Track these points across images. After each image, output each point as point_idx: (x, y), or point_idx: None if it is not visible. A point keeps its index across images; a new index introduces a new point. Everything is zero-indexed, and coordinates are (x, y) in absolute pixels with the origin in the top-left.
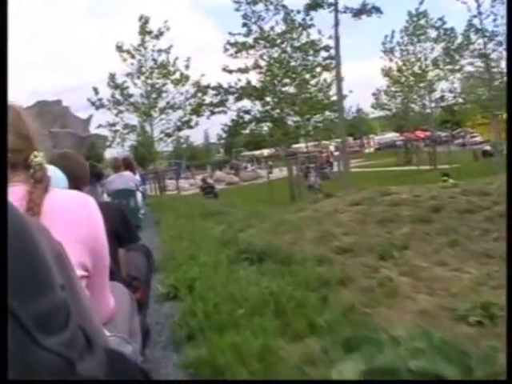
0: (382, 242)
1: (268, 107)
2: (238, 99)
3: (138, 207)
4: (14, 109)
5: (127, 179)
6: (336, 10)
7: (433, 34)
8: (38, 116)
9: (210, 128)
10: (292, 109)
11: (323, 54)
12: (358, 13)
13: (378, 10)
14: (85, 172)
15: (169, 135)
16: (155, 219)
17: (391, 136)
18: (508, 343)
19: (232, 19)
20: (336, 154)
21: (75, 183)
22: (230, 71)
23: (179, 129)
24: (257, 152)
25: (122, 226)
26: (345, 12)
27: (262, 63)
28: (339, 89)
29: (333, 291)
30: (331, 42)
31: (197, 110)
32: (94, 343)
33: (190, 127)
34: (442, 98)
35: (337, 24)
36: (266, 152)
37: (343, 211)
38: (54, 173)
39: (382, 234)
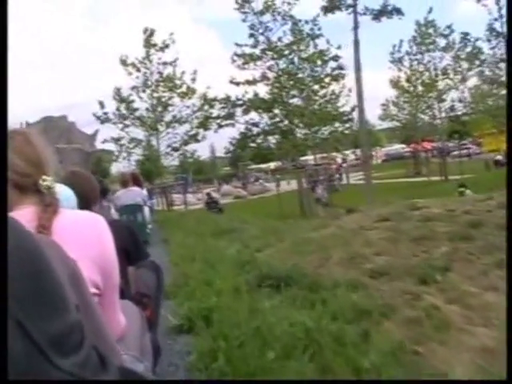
0: (420, 263)
1: (276, 119)
2: (246, 112)
3: (146, 222)
4: (23, 134)
5: (135, 194)
6: (355, 12)
7: (442, 42)
8: (43, 132)
9: (216, 142)
10: (301, 120)
11: (332, 64)
12: (378, 15)
13: (398, 11)
14: (94, 189)
15: (176, 149)
16: (163, 237)
17: (397, 147)
18: (508, 343)
19: (236, 32)
20: (344, 165)
21: (85, 201)
22: (238, 83)
23: (186, 143)
24: (263, 165)
25: (131, 244)
26: (364, 14)
27: (270, 75)
28: (360, 96)
29: (374, 324)
30: (340, 52)
31: (204, 124)
32: (108, 363)
33: (197, 141)
34: (451, 108)
35: (356, 27)
36: (272, 165)
37: (370, 228)
38: (64, 191)
39: (419, 254)
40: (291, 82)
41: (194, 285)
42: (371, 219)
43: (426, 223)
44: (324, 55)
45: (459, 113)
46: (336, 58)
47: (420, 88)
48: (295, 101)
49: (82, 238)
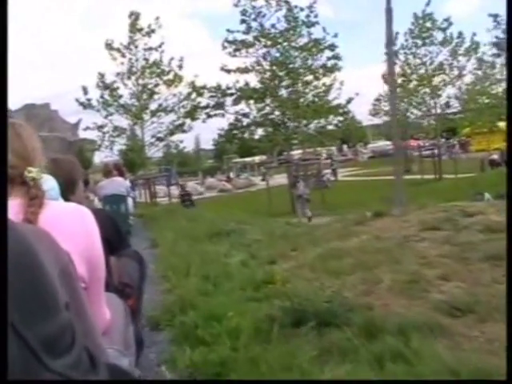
0: None
1: (268, 110)
2: (236, 102)
3: (129, 213)
4: (12, 125)
5: (119, 185)
6: None
7: (439, 36)
8: (25, 119)
9: (200, 134)
10: (294, 112)
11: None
12: None
13: None
14: (76, 174)
15: (160, 139)
16: (149, 236)
17: (382, 144)
18: (508, 343)
19: (228, 22)
20: (335, 160)
21: (66, 188)
22: (228, 71)
23: (172, 133)
24: (248, 159)
25: (113, 234)
26: None
27: (262, 63)
28: (392, 76)
29: None
30: (336, 41)
31: (191, 113)
32: (98, 362)
33: (184, 131)
34: (447, 104)
35: None
36: (257, 159)
37: (418, 239)
38: (48, 181)
39: (502, 281)
40: (284, 72)
41: (193, 316)
42: (413, 227)
43: (492, 235)
44: (319, 44)
45: (454, 110)
46: (332, 47)
47: (414, 82)
48: (287, 91)
49: (69, 231)
